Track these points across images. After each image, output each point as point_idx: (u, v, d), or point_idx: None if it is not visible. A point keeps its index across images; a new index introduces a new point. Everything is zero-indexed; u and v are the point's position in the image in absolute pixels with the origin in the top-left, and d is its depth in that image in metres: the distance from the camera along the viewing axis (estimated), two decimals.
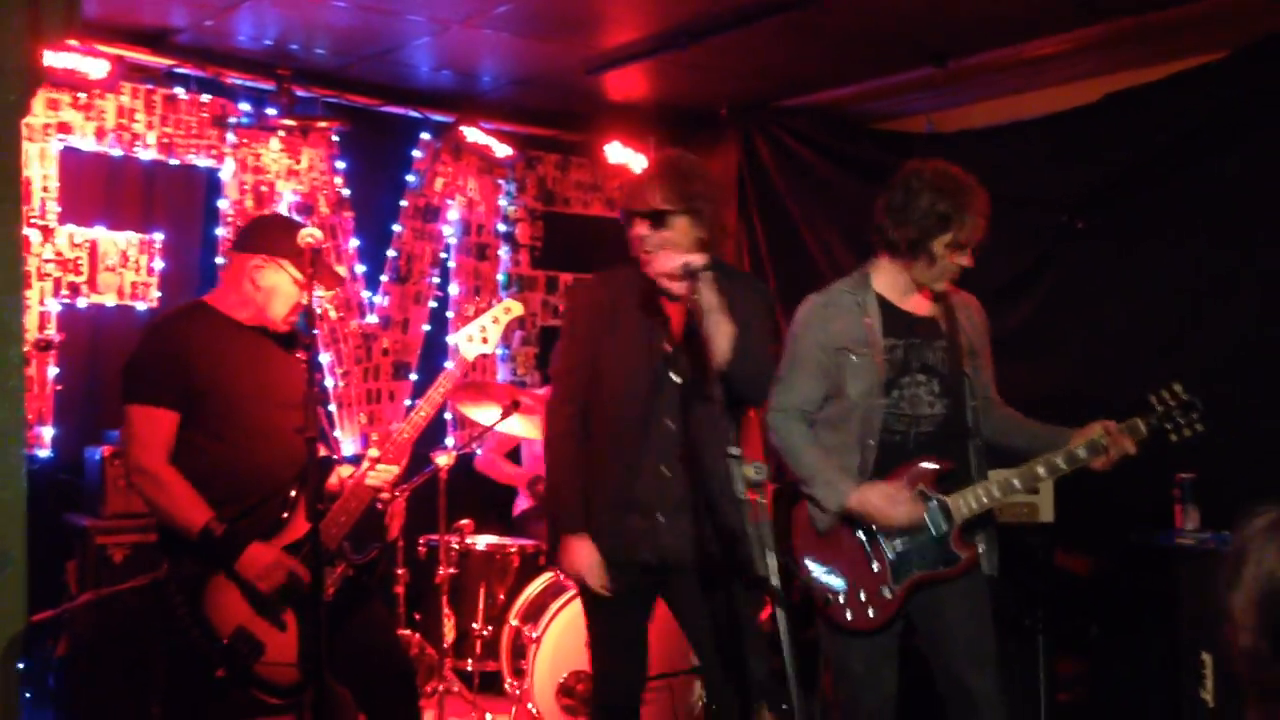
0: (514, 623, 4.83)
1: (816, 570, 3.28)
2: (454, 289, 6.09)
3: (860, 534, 3.24)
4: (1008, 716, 3.20)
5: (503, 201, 6.28)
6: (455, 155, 6.06)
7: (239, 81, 5.36)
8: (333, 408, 5.61)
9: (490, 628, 5.00)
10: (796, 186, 5.85)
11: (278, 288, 3.42)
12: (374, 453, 3.51)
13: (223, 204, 5.35)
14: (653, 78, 5.64)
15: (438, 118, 5.95)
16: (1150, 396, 3.27)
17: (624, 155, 6.29)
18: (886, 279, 3.33)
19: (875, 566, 3.22)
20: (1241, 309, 4.37)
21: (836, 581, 3.25)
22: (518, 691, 4.70)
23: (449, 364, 3.67)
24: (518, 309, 3.78)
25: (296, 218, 5.32)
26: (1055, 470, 3.22)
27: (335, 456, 3.64)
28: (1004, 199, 5.02)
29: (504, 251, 6.27)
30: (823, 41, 5.05)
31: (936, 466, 3.23)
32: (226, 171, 5.36)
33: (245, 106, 5.40)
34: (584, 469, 3.24)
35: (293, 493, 3.39)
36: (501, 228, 6.28)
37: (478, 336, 3.63)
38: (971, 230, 3.20)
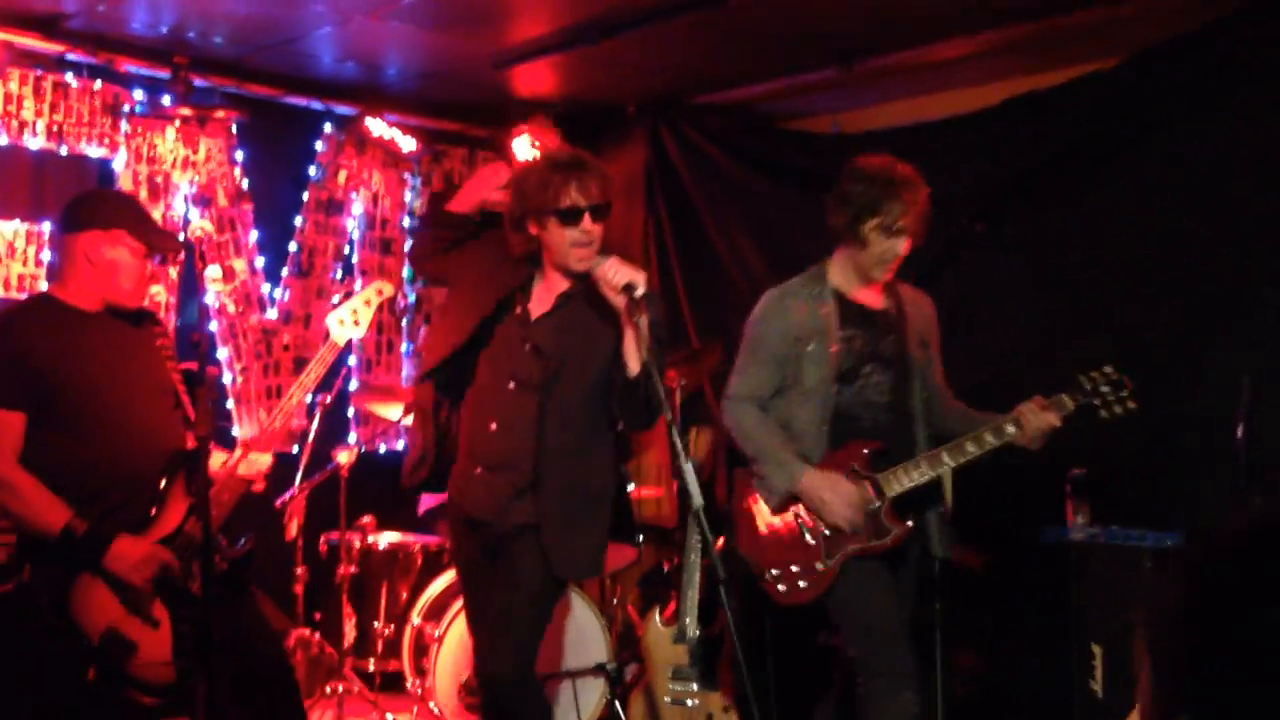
0: (416, 621, 4.78)
1: (754, 552, 3.44)
2: (358, 284, 5.99)
3: (797, 510, 3.38)
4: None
5: (408, 196, 6.21)
6: (359, 148, 5.96)
7: (133, 69, 5.21)
8: (230, 404, 5.49)
9: (392, 626, 4.94)
10: (704, 184, 5.86)
11: (118, 261, 3.28)
12: (244, 437, 3.43)
13: None
14: (561, 73, 5.60)
15: (341, 109, 5.85)
16: (1079, 375, 3.40)
17: (532, 151, 6.25)
18: (840, 271, 3.50)
19: (810, 541, 3.36)
20: (1132, 309, 4.48)
21: (771, 560, 3.40)
22: (420, 690, 4.66)
23: (322, 348, 3.59)
24: (389, 290, 3.81)
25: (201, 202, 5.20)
26: (983, 444, 3.34)
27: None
28: None
29: (409, 246, 6.18)
30: (731, 40, 5.07)
31: (868, 448, 3.38)
32: (120, 161, 5.20)
33: (140, 95, 5.25)
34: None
35: (161, 485, 3.27)
36: (407, 222, 6.20)
37: (349, 319, 3.61)
38: (899, 215, 3.32)
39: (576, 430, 3.27)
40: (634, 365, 3.09)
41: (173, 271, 5.29)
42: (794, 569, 3.36)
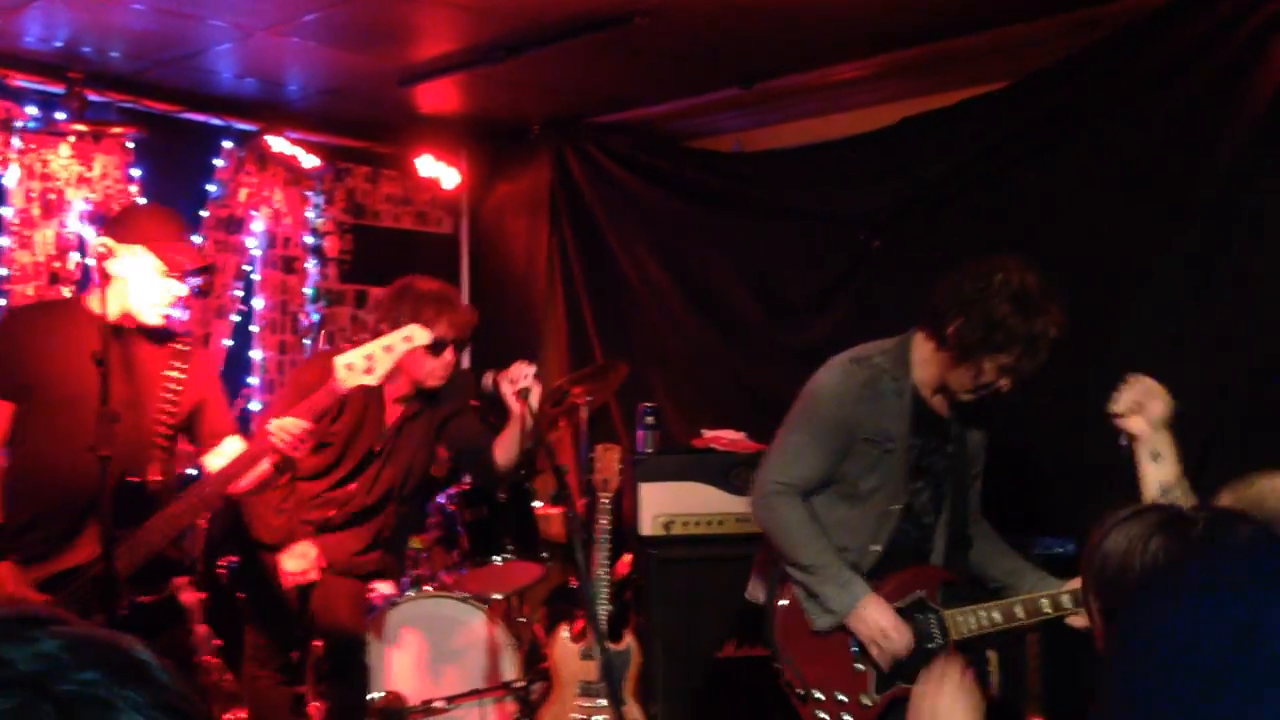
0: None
1: (795, 662, 3.03)
2: (259, 303, 5.92)
3: (849, 633, 3.00)
4: None
5: (310, 214, 6.14)
6: (260, 165, 5.89)
7: (26, 84, 5.09)
8: None
9: None
10: (607, 202, 5.91)
11: (129, 276, 3.19)
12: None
13: (7, 212, 5.06)
14: (466, 91, 5.61)
15: (242, 126, 5.76)
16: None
17: (435, 169, 6.24)
18: (924, 367, 3.02)
19: (859, 667, 2.99)
20: None
21: (814, 678, 3.01)
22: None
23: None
24: (422, 337, 3.31)
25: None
26: (1060, 609, 2.93)
27: (150, 480, 3.25)
28: (806, 217, 5.25)
29: (312, 264, 6.13)
30: (634, 60, 5.12)
31: (945, 576, 3.02)
32: (11, 178, 5.07)
33: (32, 110, 5.13)
34: None
35: (81, 514, 3.13)
36: (309, 240, 6.14)
37: (360, 365, 3.17)
38: (1031, 360, 2.87)
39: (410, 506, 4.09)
40: (514, 454, 3.59)
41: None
42: (840, 697, 2.96)
